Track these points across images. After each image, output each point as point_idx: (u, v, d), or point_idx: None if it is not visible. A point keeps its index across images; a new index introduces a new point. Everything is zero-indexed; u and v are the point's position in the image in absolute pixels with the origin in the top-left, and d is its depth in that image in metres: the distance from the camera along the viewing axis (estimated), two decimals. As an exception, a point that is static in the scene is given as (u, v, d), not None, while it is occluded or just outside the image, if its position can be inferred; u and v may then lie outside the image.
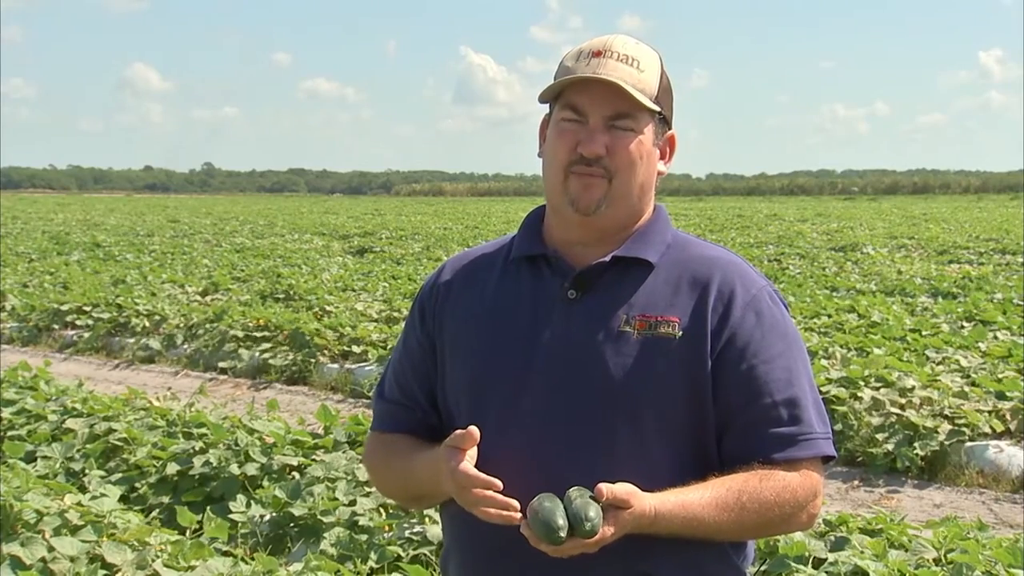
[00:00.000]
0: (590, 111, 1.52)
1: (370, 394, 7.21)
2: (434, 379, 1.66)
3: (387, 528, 3.92)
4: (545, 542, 1.35)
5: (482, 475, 1.43)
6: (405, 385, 1.69)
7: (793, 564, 3.52)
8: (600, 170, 1.53)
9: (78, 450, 5.11)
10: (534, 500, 1.38)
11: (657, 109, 1.54)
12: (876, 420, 5.71)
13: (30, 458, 5.02)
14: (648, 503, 1.40)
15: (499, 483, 1.42)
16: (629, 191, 1.56)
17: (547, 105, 1.61)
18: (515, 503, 1.41)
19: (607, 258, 1.56)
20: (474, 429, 1.46)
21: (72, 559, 3.41)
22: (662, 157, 1.61)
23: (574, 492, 1.39)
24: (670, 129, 1.62)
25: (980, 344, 7.69)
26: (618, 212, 1.57)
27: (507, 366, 1.56)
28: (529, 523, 1.37)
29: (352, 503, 4.15)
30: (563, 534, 1.34)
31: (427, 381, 1.67)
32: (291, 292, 11.48)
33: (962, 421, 5.62)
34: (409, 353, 1.70)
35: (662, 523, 1.42)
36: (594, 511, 1.35)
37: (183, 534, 3.93)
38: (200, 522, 4.17)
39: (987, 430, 5.61)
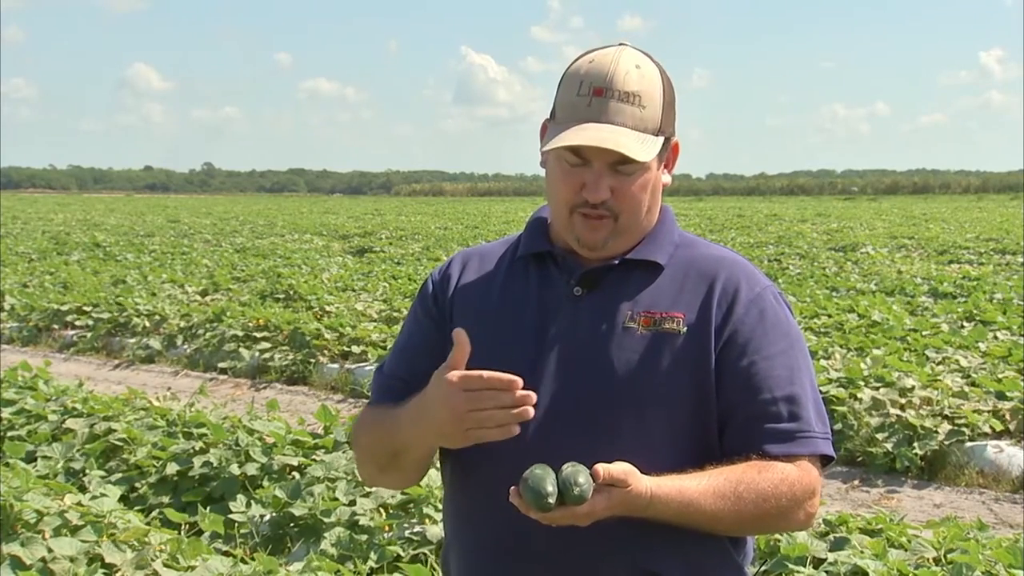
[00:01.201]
0: (593, 158, 1.51)
1: (370, 394, 7.21)
2: (440, 360, 1.65)
3: (387, 528, 3.92)
4: (534, 509, 1.35)
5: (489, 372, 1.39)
6: (412, 360, 1.66)
7: (792, 565, 3.52)
8: (605, 211, 1.53)
9: (78, 450, 5.11)
10: (526, 470, 1.38)
11: (660, 144, 1.53)
12: (876, 420, 5.71)
13: (30, 458, 5.02)
14: (645, 484, 1.40)
15: (519, 380, 1.38)
16: (636, 223, 1.57)
17: (549, 104, 1.60)
18: (532, 395, 1.37)
19: (615, 261, 1.58)
20: (464, 336, 1.42)
21: (72, 559, 3.41)
22: (666, 166, 1.61)
23: (567, 465, 1.38)
24: (674, 137, 1.61)
25: (980, 344, 7.70)
26: (626, 241, 1.58)
27: (513, 363, 1.56)
28: (520, 491, 1.37)
29: (352, 503, 4.15)
30: (552, 500, 1.33)
31: (435, 359, 1.66)
32: (291, 292, 11.49)
33: (962, 421, 5.62)
34: (420, 330, 1.68)
35: (658, 506, 1.41)
36: (584, 478, 1.35)
37: (181, 534, 3.93)
38: (194, 522, 4.17)
39: (987, 430, 5.61)
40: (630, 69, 1.51)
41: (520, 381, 1.38)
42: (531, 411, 1.38)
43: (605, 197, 1.51)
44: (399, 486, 1.76)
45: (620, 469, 1.38)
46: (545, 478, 1.35)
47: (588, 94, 1.50)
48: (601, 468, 1.37)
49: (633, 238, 1.59)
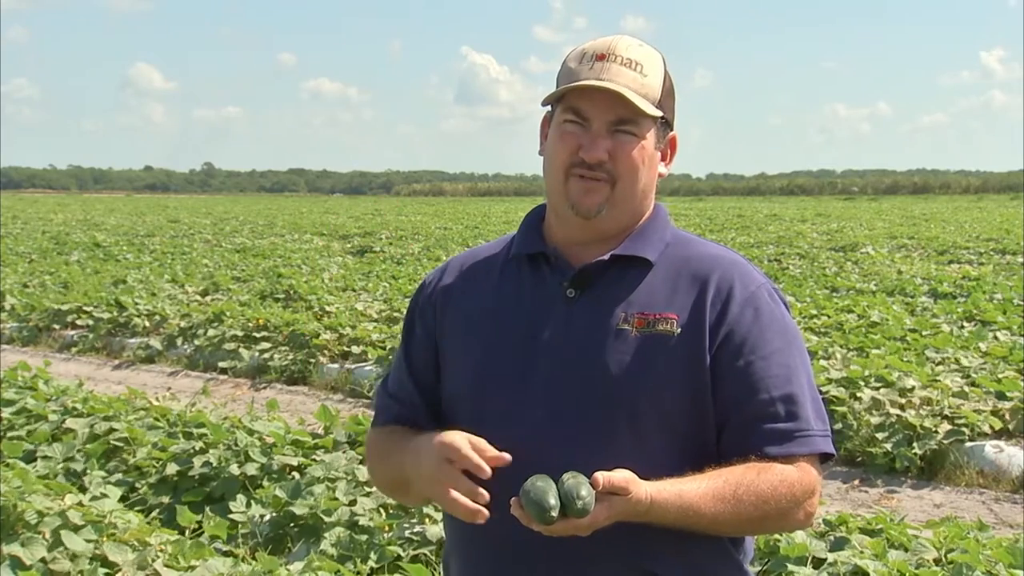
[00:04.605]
0: (593, 116, 1.52)
1: (370, 394, 7.21)
2: (435, 377, 1.66)
3: (387, 528, 3.92)
4: (537, 522, 1.35)
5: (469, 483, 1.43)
6: (412, 377, 1.69)
7: (792, 565, 3.52)
8: (602, 174, 1.53)
9: (78, 450, 5.11)
10: (527, 481, 1.38)
11: (660, 115, 1.54)
12: (876, 420, 5.71)
13: (30, 458, 5.01)
14: (644, 490, 1.40)
15: (487, 470, 1.43)
16: (631, 196, 1.57)
17: (547, 105, 1.61)
18: (484, 494, 1.42)
19: (606, 256, 1.57)
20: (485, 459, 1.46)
21: (72, 559, 3.41)
22: (663, 159, 1.62)
23: (567, 475, 1.39)
24: (671, 131, 1.62)
25: (980, 344, 7.69)
26: (619, 216, 1.57)
27: (507, 366, 1.56)
28: (522, 503, 1.37)
29: (352, 503, 4.15)
30: (555, 513, 1.34)
31: (428, 378, 1.67)
32: (291, 292, 11.48)
33: (962, 421, 5.62)
34: (416, 342, 1.69)
35: (658, 511, 1.41)
36: (586, 490, 1.35)
37: (183, 534, 3.93)
38: (200, 522, 4.17)
39: (987, 430, 5.61)
40: (632, 44, 1.55)
41: (488, 472, 1.42)
42: (483, 513, 1.42)
43: (602, 157, 1.52)
44: (419, 505, 1.78)
45: (621, 477, 1.38)
46: (547, 491, 1.35)
47: (591, 60, 1.53)
48: (601, 476, 1.37)
49: (626, 216, 1.58)
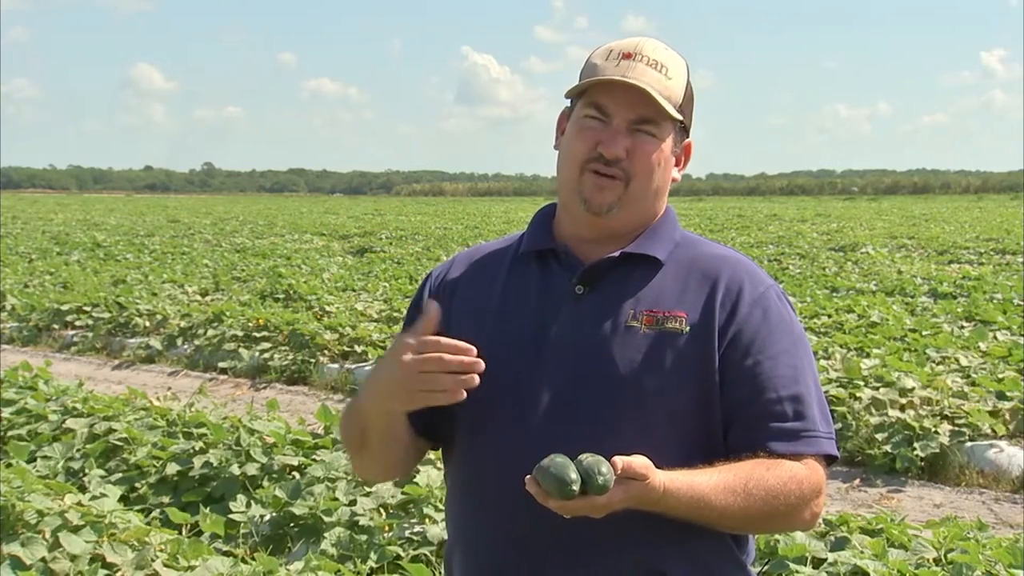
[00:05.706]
0: (615, 112, 1.53)
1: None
2: None
3: (387, 528, 3.92)
4: (556, 496, 1.33)
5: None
6: None
7: (792, 565, 3.52)
8: (618, 172, 1.54)
9: (78, 450, 5.11)
10: (545, 459, 1.37)
11: (680, 118, 1.55)
12: (876, 420, 5.71)
13: (30, 458, 5.01)
14: (659, 478, 1.40)
15: (472, 348, 1.40)
16: (644, 196, 1.57)
17: (568, 99, 1.61)
18: (480, 364, 1.40)
19: (616, 254, 1.57)
20: (434, 306, 1.46)
21: (72, 559, 3.41)
22: (677, 164, 1.63)
23: (585, 454, 1.38)
24: (688, 137, 1.63)
25: (980, 344, 7.69)
26: (630, 215, 1.58)
27: (515, 362, 1.56)
28: (538, 479, 1.35)
29: (352, 503, 4.15)
30: (575, 488, 1.32)
31: None
32: (291, 292, 11.48)
33: (962, 421, 5.63)
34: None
35: (670, 500, 1.41)
36: (606, 467, 1.34)
37: (182, 534, 3.93)
38: (197, 522, 4.17)
39: (987, 430, 5.61)
40: (658, 46, 1.57)
41: (473, 349, 1.41)
42: (476, 379, 1.40)
43: (620, 154, 1.52)
44: (377, 472, 1.75)
45: (640, 463, 1.37)
46: (568, 466, 1.34)
47: (617, 58, 1.54)
48: (620, 460, 1.36)
49: (636, 216, 1.59)
